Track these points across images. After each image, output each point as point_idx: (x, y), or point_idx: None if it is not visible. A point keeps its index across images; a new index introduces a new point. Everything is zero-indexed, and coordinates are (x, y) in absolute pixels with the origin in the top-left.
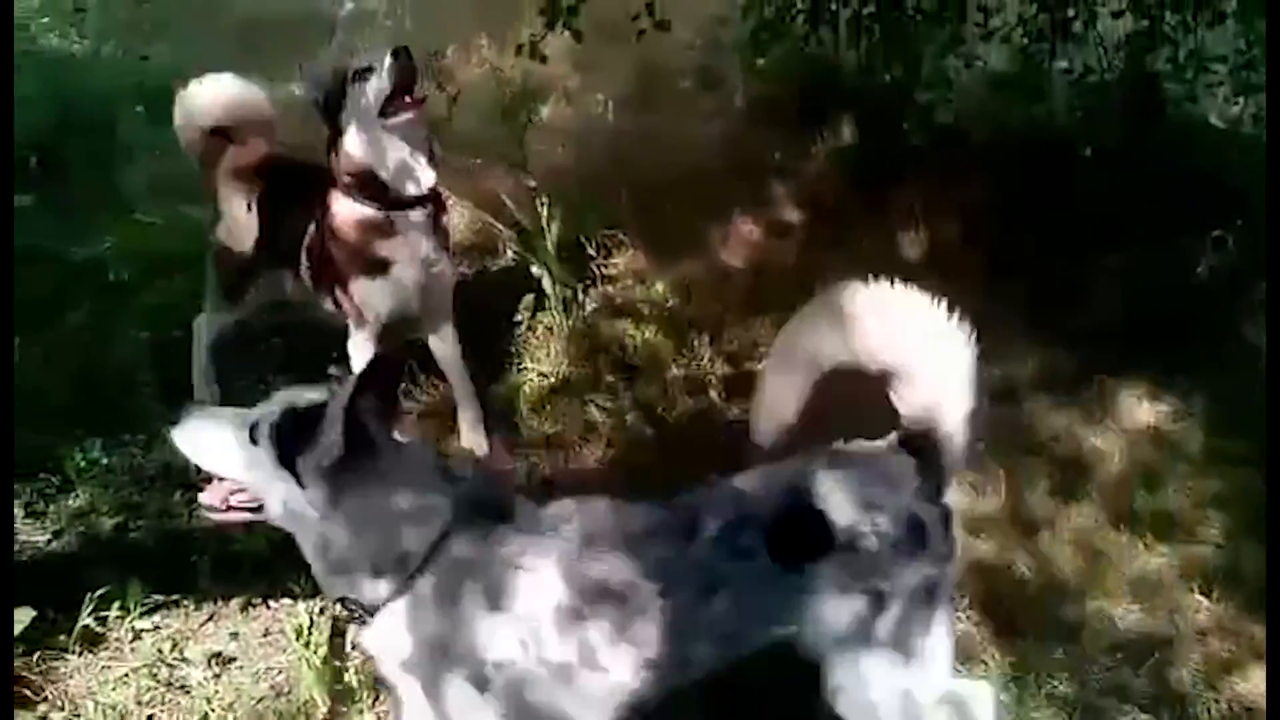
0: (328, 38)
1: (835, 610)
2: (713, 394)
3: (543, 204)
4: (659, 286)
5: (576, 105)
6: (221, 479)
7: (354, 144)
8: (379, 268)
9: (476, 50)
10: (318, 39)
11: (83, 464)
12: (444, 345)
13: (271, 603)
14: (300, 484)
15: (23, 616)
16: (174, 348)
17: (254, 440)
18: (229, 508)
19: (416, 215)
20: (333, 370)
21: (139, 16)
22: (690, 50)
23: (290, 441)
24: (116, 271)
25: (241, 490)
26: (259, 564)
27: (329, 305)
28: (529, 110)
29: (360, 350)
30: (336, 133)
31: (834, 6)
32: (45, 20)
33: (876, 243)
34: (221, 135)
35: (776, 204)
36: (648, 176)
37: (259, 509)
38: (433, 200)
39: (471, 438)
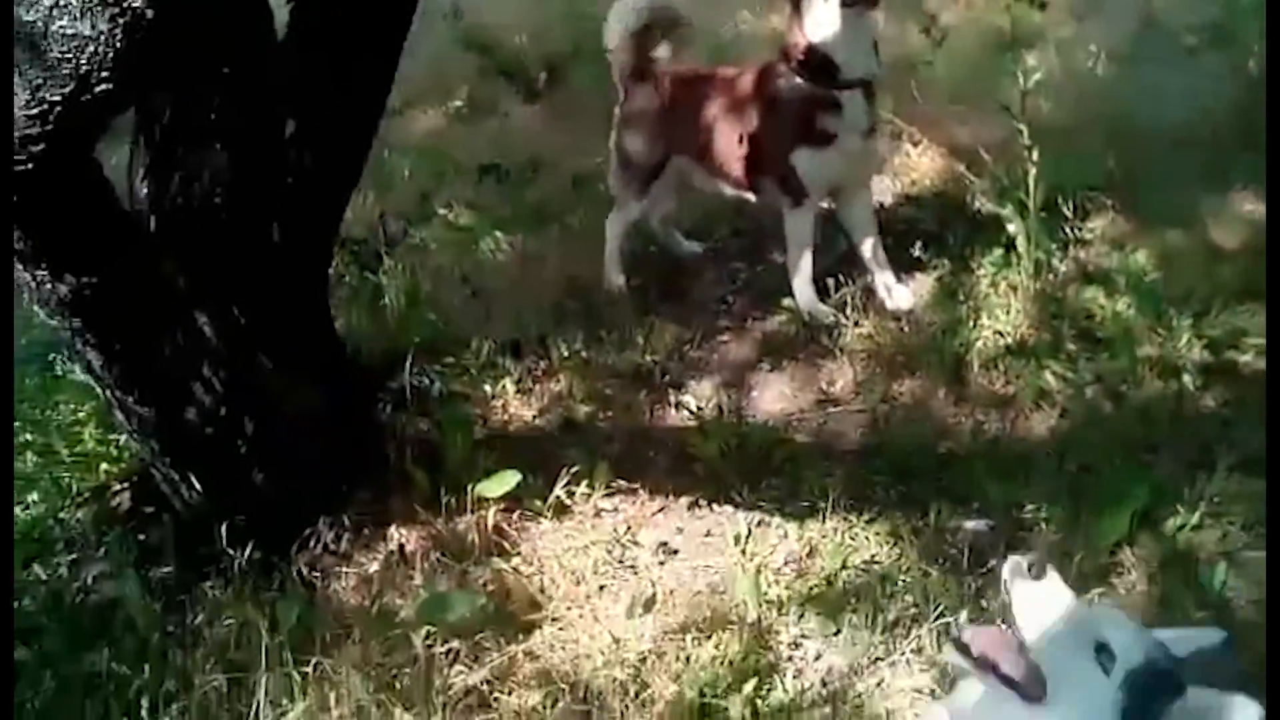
0: None
1: None
2: (1186, 379)
3: (1032, 160)
4: (1139, 256)
5: (1066, 56)
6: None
7: (814, 29)
8: (826, 139)
9: None
10: None
11: (565, 353)
12: (861, 208)
13: (715, 507)
14: None
15: (510, 479)
16: (649, 260)
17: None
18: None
19: (859, 95)
20: None
21: None
22: (1203, 3)
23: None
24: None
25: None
26: (709, 469)
27: (760, 188)
28: (1016, 58)
29: (800, 224)
30: (798, 17)
31: None
32: None
33: None
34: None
35: None
36: (1140, 136)
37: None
38: (870, 83)
39: (898, 295)
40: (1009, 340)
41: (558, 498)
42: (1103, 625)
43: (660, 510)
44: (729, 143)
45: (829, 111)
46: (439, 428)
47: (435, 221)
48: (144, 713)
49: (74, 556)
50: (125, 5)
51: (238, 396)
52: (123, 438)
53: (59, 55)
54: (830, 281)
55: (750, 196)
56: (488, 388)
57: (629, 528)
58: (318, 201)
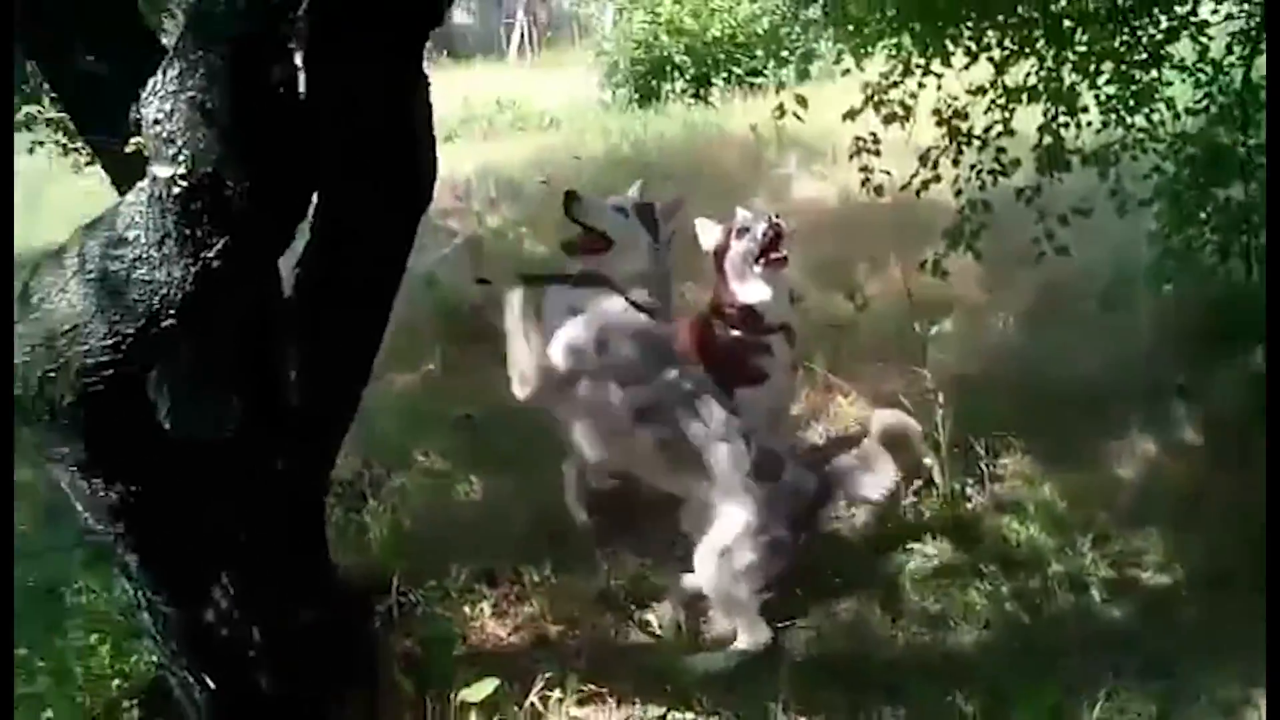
0: None
1: None
2: (1093, 593)
3: (939, 404)
4: (1046, 489)
5: (976, 320)
6: None
7: (739, 286)
8: (760, 378)
9: (884, 265)
10: None
11: (537, 579)
12: (779, 432)
13: (678, 714)
14: None
15: (489, 685)
16: (611, 496)
17: None
18: None
19: (782, 338)
20: None
21: None
22: (1093, 274)
23: None
24: None
25: None
26: (671, 680)
27: None
28: (930, 321)
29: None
30: (723, 277)
31: (1245, 239)
32: None
33: None
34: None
35: (1176, 425)
36: (1043, 387)
37: None
38: (789, 327)
39: None
40: (935, 563)
41: (533, 704)
42: None
43: (628, 718)
44: None
45: (761, 354)
46: (422, 644)
47: (414, 468)
48: None
49: None
50: (201, 258)
51: (246, 607)
52: (134, 657)
53: (135, 297)
54: None
55: None
56: (466, 610)
57: None
58: (314, 439)
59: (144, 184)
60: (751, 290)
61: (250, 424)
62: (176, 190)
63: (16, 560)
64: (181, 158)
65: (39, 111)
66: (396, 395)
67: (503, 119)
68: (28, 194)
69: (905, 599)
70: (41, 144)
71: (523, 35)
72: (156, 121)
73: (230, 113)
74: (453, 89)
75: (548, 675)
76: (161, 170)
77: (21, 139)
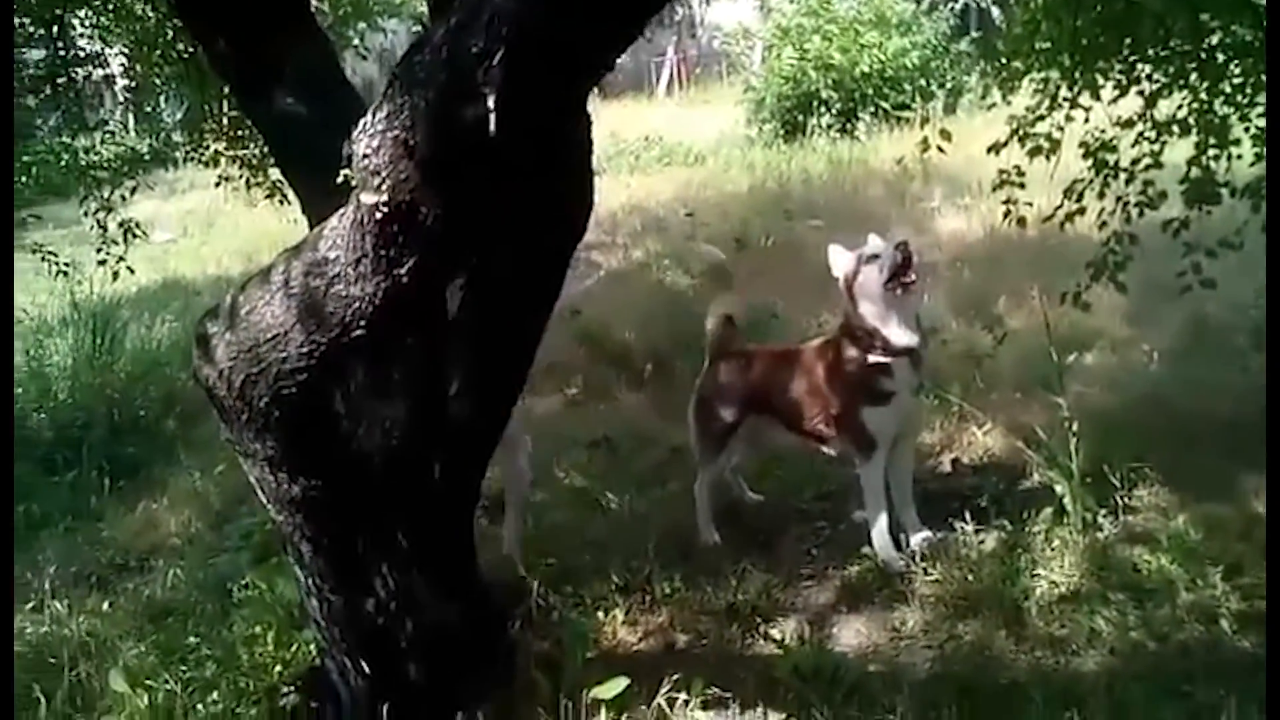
0: None
1: None
2: (1223, 624)
3: (1073, 433)
4: (1180, 521)
5: (1118, 352)
6: None
7: (867, 310)
8: (885, 399)
9: (1026, 298)
10: None
11: (667, 591)
12: (905, 455)
13: None
14: None
15: (620, 684)
16: (742, 518)
17: None
18: None
19: (906, 361)
20: None
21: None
22: (1241, 309)
23: None
24: None
25: None
26: (793, 690)
27: (830, 444)
28: (1070, 353)
29: (873, 475)
30: (853, 301)
31: None
32: None
33: None
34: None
35: None
36: (1184, 420)
37: None
38: (915, 351)
39: (916, 536)
40: (1062, 589)
41: (659, 706)
42: None
43: None
44: (805, 403)
45: (886, 374)
46: (559, 645)
47: (555, 485)
48: None
49: None
50: (393, 274)
51: (401, 600)
52: (295, 646)
53: (331, 310)
54: (902, 536)
55: (826, 450)
56: (600, 615)
57: None
58: (469, 449)
59: (347, 210)
60: (878, 314)
61: (415, 433)
62: (378, 215)
63: (191, 559)
64: (385, 187)
65: (225, 148)
66: (539, 418)
67: (650, 155)
68: (201, 224)
69: (1030, 623)
70: (228, 179)
71: (672, 72)
72: (365, 155)
73: (429, 149)
74: (602, 125)
75: (675, 678)
76: (367, 198)
77: (205, 174)
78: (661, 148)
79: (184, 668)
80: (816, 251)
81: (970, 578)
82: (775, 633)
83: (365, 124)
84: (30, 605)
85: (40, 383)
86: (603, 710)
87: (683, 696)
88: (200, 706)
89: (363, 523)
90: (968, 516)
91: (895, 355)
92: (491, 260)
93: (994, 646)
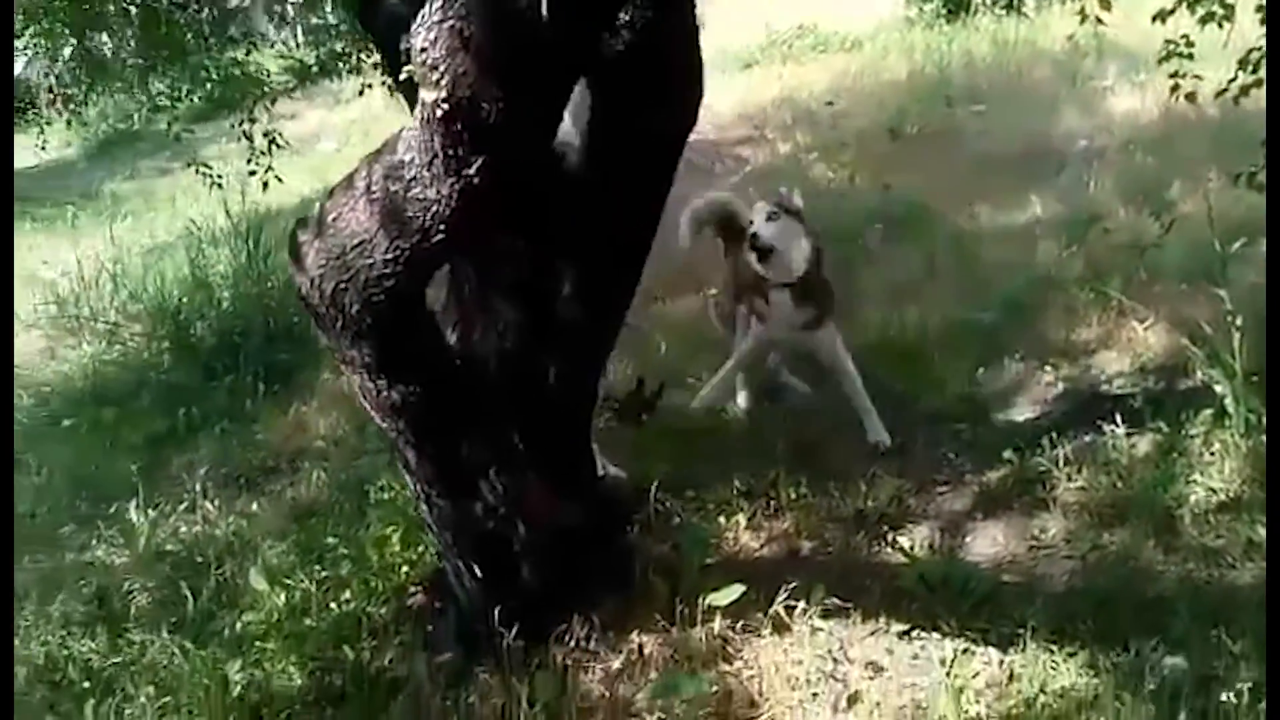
0: (1056, 171)
1: None
2: None
3: (1237, 328)
4: None
5: None
6: None
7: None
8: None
9: (1202, 182)
10: (1046, 173)
11: (794, 496)
12: (823, 342)
13: (923, 634)
14: None
15: (736, 590)
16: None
17: None
18: None
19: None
20: None
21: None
22: None
23: None
24: None
25: None
26: (919, 601)
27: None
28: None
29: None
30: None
31: None
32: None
33: None
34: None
35: None
36: None
37: None
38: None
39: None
40: (1221, 496)
41: (777, 614)
42: None
43: (871, 634)
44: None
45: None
46: (677, 550)
47: (686, 387)
48: None
49: (375, 643)
50: (464, 174)
51: (513, 502)
52: (421, 548)
53: (411, 214)
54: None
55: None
56: (721, 520)
57: (841, 645)
58: (584, 351)
59: (418, 110)
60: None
61: (527, 336)
62: (440, 113)
63: (335, 461)
64: (444, 82)
65: (365, 55)
66: (678, 318)
67: (804, 43)
68: (357, 134)
69: (1182, 532)
70: (370, 86)
71: None
72: (423, 50)
73: (484, 39)
74: (755, 14)
75: (794, 585)
76: (428, 94)
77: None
78: (816, 35)
79: (320, 567)
80: (977, 139)
81: (1119, 484)
82: (904, 541)
83: (423, 16)
84: (184, 505)
85: (204, 292)
86: (718, 616)
87: (801, 604)
88: (333, 605)
89: (468, 426)
90: (1119, 418)
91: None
92: (591, 150)
93: (1141, 557)
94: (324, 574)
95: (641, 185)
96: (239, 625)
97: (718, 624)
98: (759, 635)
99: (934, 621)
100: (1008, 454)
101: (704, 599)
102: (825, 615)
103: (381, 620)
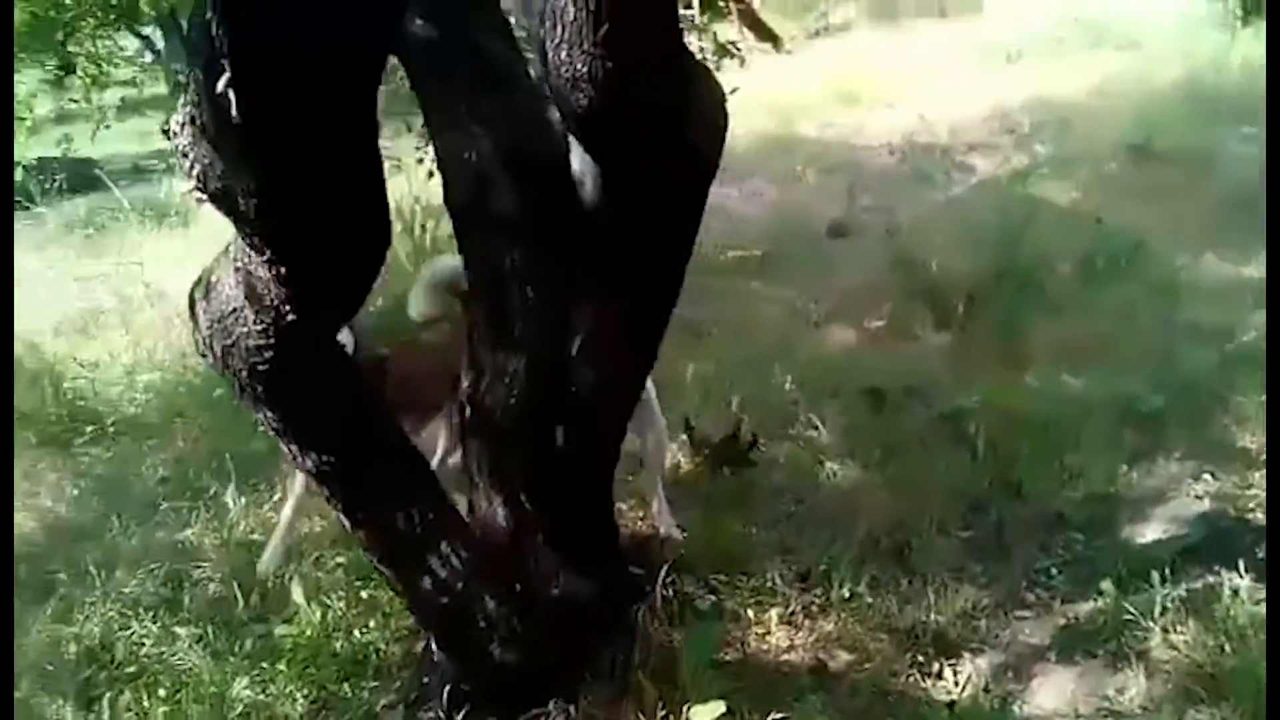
0: None
1: None
2: None
3: None
4: None
5: None
6: None
7: None
8: None
9: None
10: None
11: (847, 594)
12: None
13: None
14: None
15: (717, 709)
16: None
17: None
18: None
19: None
20: None
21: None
22: None
23: None
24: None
25: None
26: None
27: None
28: None
29: None
30: None
31: None
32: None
33: None
34: None
35: None
36: None
37: None
38: None
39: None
40: None
41: None
42: None
43: None
44: None
45: None
46: (686, 641)
47: (791, 439)
48: None
49: (376, 684)
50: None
51: (474, 576)
52: None
53: (261, 291)
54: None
55: None
56: (751, 613)
57: None
58: (601, 407)
59: None
60: None
61: (534, 389)
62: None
63: None
64: (195, 172)
65: None
66: (810, 356)
67: (1076, 38)
68: None
69: None
70: None
71: None
72: (175, 140)
73: (214, 128)
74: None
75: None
76: (188, 188)
77: None
78: (1091, 29)
79: (361, 585)
80: (1232, 167)
81: (1227, 648)
82: (955, 675)
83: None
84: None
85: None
86: None
87: None
88: (356, 632)
89: (404, 500)
90: (1246, 566)
91: None
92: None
93: None
94: (365, 594)
95: (659, 232)
96: (274, 635)
97: None
98: None
99: None
100: (1106, 584)
101: (688, 710)
102: None
103: (389, 660)
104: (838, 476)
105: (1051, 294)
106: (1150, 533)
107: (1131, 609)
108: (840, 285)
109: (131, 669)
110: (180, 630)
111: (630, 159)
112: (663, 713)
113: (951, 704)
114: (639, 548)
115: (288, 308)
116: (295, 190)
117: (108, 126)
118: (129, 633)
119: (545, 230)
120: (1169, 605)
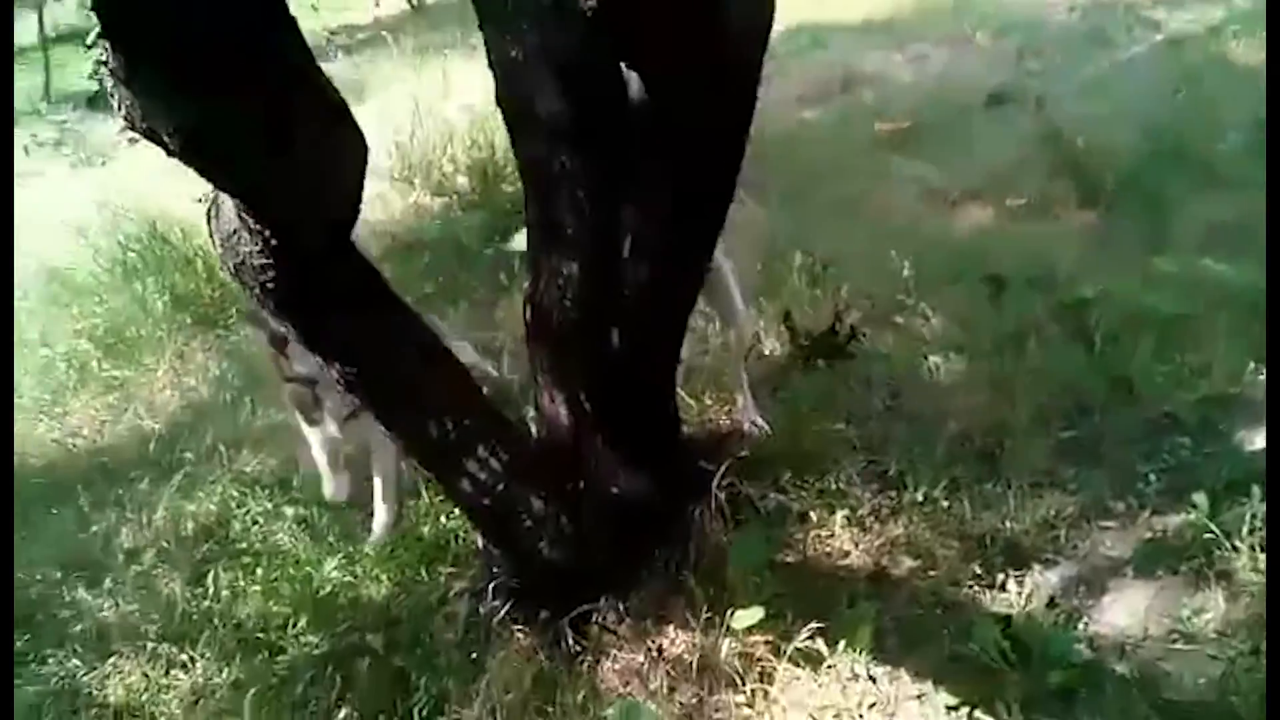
0: None
1: None
2: None
3: None
4: None
5: None
6: None
7: None
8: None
9: None
10: None
11: (920, 498)
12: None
13: (977, 713)
14: None
15: (756, 614)
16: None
17: None
18: None
19: None
20: None
21: None
22: None
23: None
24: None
25: None
26: (987, 672)
27: None
28: None
29: None
30: None
31: None
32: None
33: None
34: None
35: None
36: None
37: None
38: None
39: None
40: None
41: (797, 648)
42: None
43: (918, 696)
44: None
45: None
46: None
47: (905, 324)
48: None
49: (454, 569)
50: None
51: (518, 476)
52: None
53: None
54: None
55: None
56: (816, 515)
57: (875, 703)
58: (657, 308)
59: None
60: None
61: (588, 293)
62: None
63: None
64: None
65: None
66: (941, 234)
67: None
68: None
69: None
70: None
71: None
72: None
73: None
74: None
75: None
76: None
77: None
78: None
79: None
80: None
81: None
82: (1019, 588)
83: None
84: None
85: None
86: (755, 634)
87: (843, 646)
88: (442, 519)
89: (436, 408)
90: None
91: None
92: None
93: None
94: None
95: (712, 119)
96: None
97: (724, 647)
98: (796, 665)
99: (991, 705)
100: (1199, 497)
101: (731, 612)
102: (875, 658)
103: (468, 547)
104: (940, 371)
105: (1218, 169)
106: (1263, 440)
107: (1217, 527)
108: (988, 160)
109: (242, 545)
110: (288, 510)
111: (649, 44)
112: (709, 614)
113: (1008, 619)
114: (717, 443)
115: (268, 232)
116: (216, 127)
117: None
118: (244, 510)
119: (594, 129)
120: (1260, 524)
